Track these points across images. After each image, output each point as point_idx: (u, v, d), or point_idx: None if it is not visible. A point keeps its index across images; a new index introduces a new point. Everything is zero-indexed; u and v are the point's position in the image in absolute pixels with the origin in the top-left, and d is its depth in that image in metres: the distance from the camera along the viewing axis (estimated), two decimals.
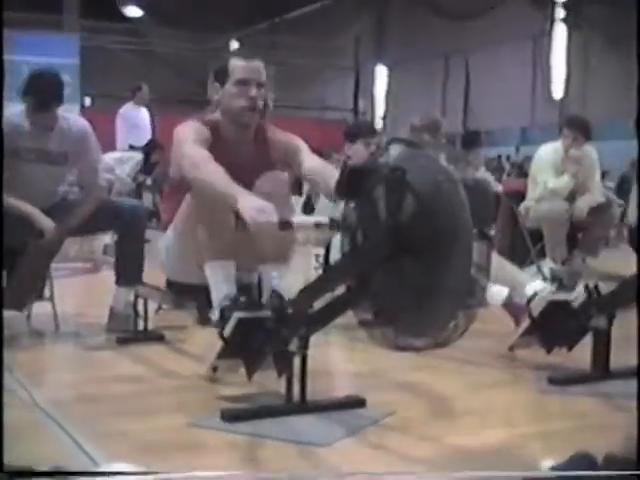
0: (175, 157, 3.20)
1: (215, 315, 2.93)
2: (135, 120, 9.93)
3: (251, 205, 2.62)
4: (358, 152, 4.83)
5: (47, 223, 3.88)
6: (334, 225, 2.69)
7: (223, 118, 3.26)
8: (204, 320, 3.75)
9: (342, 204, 2.61)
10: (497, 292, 3.68)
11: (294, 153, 3.27)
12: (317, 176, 3.18)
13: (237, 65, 3.18)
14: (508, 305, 3.67)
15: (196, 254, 3.16)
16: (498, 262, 3.67)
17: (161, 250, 3.52)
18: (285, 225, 2.61)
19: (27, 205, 3.88)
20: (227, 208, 2.74)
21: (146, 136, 9.93)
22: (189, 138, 3.08)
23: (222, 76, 3.20)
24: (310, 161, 3.24)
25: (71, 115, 4.24)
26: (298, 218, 2.79)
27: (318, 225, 2.68)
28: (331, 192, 2.82)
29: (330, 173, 3.00)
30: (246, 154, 3.21)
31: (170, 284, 3.69)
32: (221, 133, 3.22)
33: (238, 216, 2.63)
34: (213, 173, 2.86)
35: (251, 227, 2.60)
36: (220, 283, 3.04)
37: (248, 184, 2.91)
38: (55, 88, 3.96)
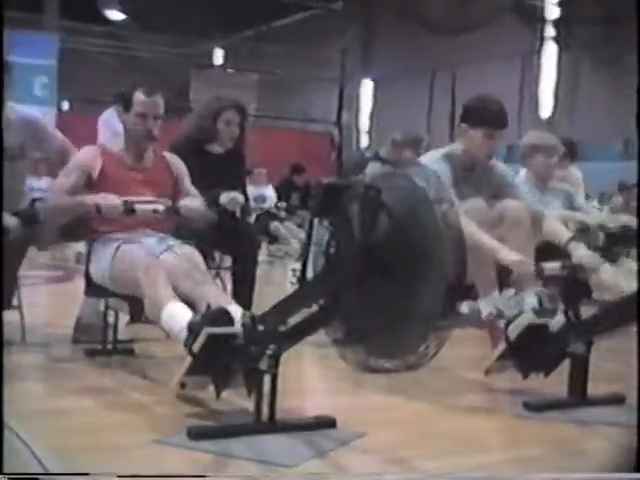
0: None
1: (183, 334, 2.86)
2: (117, 127, 9.80)
3: (98, 196, 3.55)
4: (475, 144, 3.90)
5: (10, 221, 3.74)
6: (170, 210, 3.59)
7: (126, 140, 3.83)
8: (135, 319, 4.00)
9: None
10: (490, 300, 3.64)
11: (182, 178, 3.93)
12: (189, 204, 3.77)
13: (139, 99, 3.73)
14: (489, 323, 3.62)
15: (139, 295, 3.32)
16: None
17: (94, 262, 3.65)
18: (128, 210, 3.51)
19: None
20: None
21: None
22: (67, 167, 3.76)
23: (125, 104, 3.78)
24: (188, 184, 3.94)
25: (21, 109, 4.10)
26: (139, 205, 3.54)
27: (155, 211, 3.57)
28: (192, 219, 3.73)
29: (194, 204, 3.78)
30: (145, 173, 3.79)
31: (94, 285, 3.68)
32: (119, 156, 3.80)
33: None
34: (62, 197, 3.65)
35: (102, 209, 3.50)
36: (180, 315, 3.05)
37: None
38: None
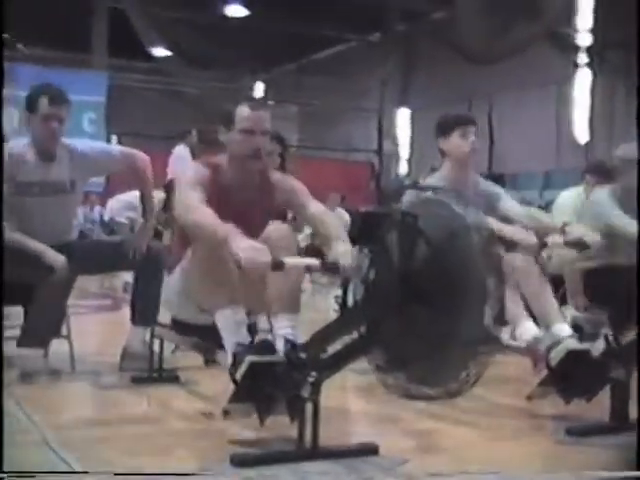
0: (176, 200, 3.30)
1: (228, 360, 2.89)
2: (188, 162, 9.85)
3: (244, 245, 2.75)
4: (456, 146, 4.04)
5: (57, 259, 3.84)
6: (328, 267, 2.87)
7: (229, 161, 3.33)
8: (208, 360, 4.03)
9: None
10: (527, 329, 3.62)
11: (298, 196, 3.39)
12: (318, 221, 3.30)
13: (243, 114, 3.25)
14: (530, 349, 3.60)
15: (204, 301, 3.16)
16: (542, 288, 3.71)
17: (167, 288, 3.53)
18: (277, 265, 2.74)
19: (34, 242, 3.84)
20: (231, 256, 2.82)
21: None
22: (188, 181, 3.21)
23: (228, 121, 3.29)
24: (313, 206, 3.36)
25: (72, 140, 4.13)
26: (290, 259, 2.85)
27: (309, 268, 2.90)
28: (329, 236, 3.05)
29: (329, 219, 3.25)
30: (250, 197, 3.32)
31: (175, 322, 3.65)
32: (224, 175, 3.31)
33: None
34: (204, 216, 2.99)
35: (244, 266, 2.72)
36: (232, 330, 2.99)
37: (251, 225, 3.01)
38: (59, 94, 3.98)
